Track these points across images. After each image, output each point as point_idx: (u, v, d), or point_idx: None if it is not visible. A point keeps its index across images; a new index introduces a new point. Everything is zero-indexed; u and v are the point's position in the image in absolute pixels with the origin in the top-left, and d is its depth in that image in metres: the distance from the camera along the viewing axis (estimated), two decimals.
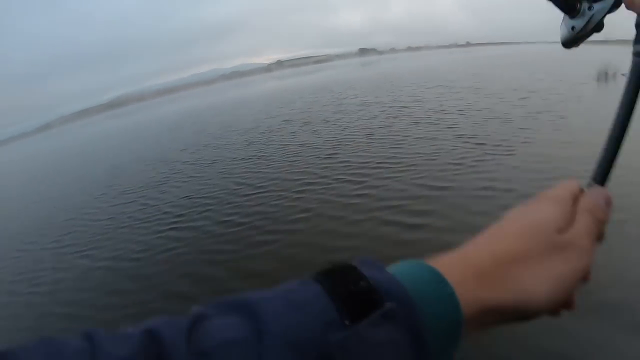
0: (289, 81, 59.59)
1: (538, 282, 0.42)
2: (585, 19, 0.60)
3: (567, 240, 0.45)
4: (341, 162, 8.44)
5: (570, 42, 0.64)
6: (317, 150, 9.84)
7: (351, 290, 0.35)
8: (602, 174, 0.56)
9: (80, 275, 6.03)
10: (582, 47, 0.68)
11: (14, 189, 17.05)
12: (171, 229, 6.81)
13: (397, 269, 0.40)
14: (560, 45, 0.66)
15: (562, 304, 0.45)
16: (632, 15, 0.53)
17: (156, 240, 6.46)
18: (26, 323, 5.13)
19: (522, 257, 0.43)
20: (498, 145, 7.86)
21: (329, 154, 9.20)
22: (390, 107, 14.12)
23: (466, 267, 0.42)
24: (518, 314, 0.43)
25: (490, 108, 11.42)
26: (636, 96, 0.55)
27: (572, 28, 0.62)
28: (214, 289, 4.58)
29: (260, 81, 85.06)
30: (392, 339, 0.33)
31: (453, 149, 8.04)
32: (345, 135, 10.98)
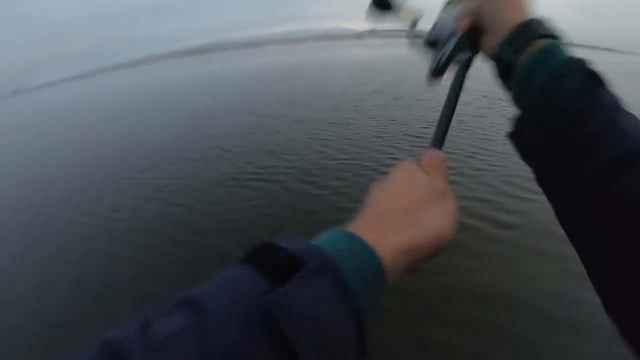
0: (381, 51, 58.54)
1: (436, 217, 0.52)
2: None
3: (437, 186, 0.56)
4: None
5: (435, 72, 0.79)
6: (405, 127, 9.55)
7: (274, 261, 0.38)
8: (438, 141, 0.71)
9: (159, 209, 6.22)
10: None
11: (99, 122, 17.78)
12: (252, 179, 6.86)
13: (317, 239, 0.45)
14: None
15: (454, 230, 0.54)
16: None
17: (236, 189, 6.53)
18: (102, 246, 5.37)
19: (416, 204, 0.53)
20: None
21: (418, 134, 8.89)
22: (484, 96, 13.50)
23: (376, 221, 0.50)
24: (430, 247, 0.51)
25: None
26: (462, 80, 0.76)
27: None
28: None
29: (351, 47, 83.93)
30: (320, 292, 0.36)
31: None
32: (436, 117, 10.49)
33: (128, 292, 4.28)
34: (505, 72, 0.67)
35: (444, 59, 0.76)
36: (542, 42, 0.61)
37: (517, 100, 0.65)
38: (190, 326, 0.32)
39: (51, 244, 5.71)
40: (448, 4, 0.82)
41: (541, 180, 0.59)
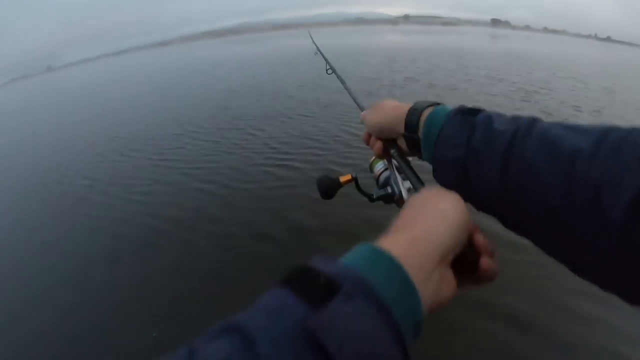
0: (414, 38, 57.94)
1: (439, 206, 0.58)
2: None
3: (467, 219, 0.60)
4: None
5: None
6: None
7: (313, 285, 0.40)
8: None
9: (177, 192, 6.30)
10: None
11: (132, 97, 18.24)
12: (277, 165, 6.89)
13: (349, 257, 0.47)
14: None
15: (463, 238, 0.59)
16: None
17: (260, 175, 6.55)
18: (112, 228, 5.43)
19: (430, 204, 0.59)
20: None
21: None
22: (521, 88, 13.31)
23: (405, 240, 0.51)
24: (440, 232, 0.54)
25: (624, 117, 10.37)
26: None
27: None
28: (305, 240, 4.60)
29: (385, 32, 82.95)
30: (358, 311, 0.38)
31: None
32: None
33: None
34: (416, 145, 0.80)
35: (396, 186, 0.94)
36: (427, 111, 0.76)
37: (427, 153, 0.77)
38: (239, 352, 0.34)
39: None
40: (373, 163, 1.10)
41: (460, 186, 0.68)
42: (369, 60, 21.99)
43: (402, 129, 0.81)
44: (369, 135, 0.94)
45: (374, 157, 1.07)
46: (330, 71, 2.26)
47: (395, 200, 0.94)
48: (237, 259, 4.36)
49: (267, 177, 6.36)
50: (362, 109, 1.24)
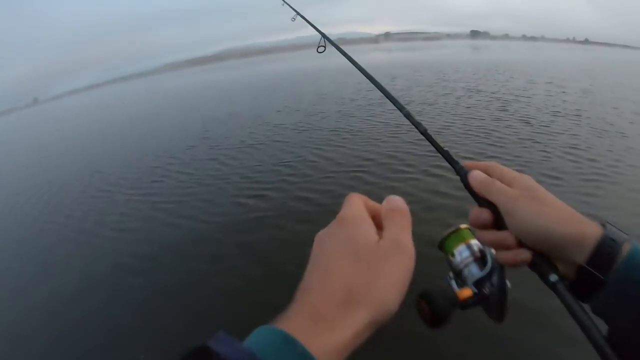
0: (395, 55, 58.89)
1: (384, 292, 0.48)
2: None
3: (391, 244, 0.51)
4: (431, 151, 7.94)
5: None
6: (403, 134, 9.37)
7: None
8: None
9: (149, 228, 6.19)
10: None
11: (114, 129, 18.20)
12: (250, 195, 6.76)
13: (251, 339, 0.42)
14: None
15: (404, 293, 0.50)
16: None
17: (233, 207, 6.42)
18: (84, 267, 5.36)
19: (358, 277, 0.48)
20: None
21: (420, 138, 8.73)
22: (499, 97, 13.32)
23: (310, 317, 0.45)
24: (372, 326, 0.47)
25: (604, 118, 10.34)
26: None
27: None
28: (277, 274, 4.46)
29: (366, 51, 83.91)
30: None
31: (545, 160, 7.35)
32: (445, 120, 10.55)
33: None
34: (584, 286, 0.62)
35: (497, 299, 0.73)
36: (628, 246, 0.59)
37: (609, 305, 0.60)
38: None
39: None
40: (453, 240, 0.80)
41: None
42: (348, 80, 22.07)
43: (579, 257, 0.61)
44: (494, 219, 0.69)
45: (461, 229, 0.81)
46: (322, 48, 1.96)
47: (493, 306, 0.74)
48: (208, 296, 4.30)
49: (239, 210, 6.24)
50: (418, 125, 0.95)
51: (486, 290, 0.73)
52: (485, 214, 0.69)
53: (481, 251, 0.76)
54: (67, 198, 8.37)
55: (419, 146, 8.13)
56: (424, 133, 0.90)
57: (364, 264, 0.49)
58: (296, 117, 12.91)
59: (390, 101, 1.10)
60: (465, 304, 0.72)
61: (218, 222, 5.95)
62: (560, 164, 7.01)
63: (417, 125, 0.93)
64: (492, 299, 0.72)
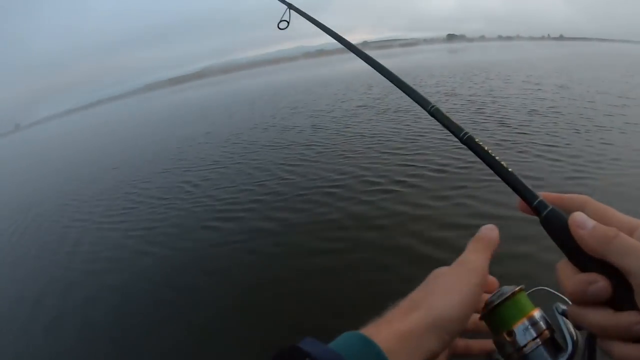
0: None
1: (438, 298, 0.54)
2: None
3: (456, 264, 0.59)
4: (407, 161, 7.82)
5: None
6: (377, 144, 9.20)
7: None
8: None
9: (119, 259, 5.94)
10: None
11: (91, 153, 17.87)
12: (220, 218, 6.54)
13: (335, 342, 0.49)
14: None
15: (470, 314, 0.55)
16: None
17: (203, 233, 6.18)
18: (53, 303, 5.11)
19: (420, 294, 0.57)
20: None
21: (398, 148, 8.68)
22: (475, 100, 13.16)
23: (380, 324, 0.52)
24: (443, 328, 0.52)
25: (583, 114, 10.16)
26: None
27: None
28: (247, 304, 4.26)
29: (344, 61, 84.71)
30: None
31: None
32: (420, 127, 10.27)
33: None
34: None
35: None
36: None
37: None
38: None
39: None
40: (510, 310, 0.57)
41: None
42: (323, 90, 21.98)
43: None
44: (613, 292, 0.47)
45: (519, 293, 0.58)
46: (284, 24, 1.50)
47: None
48: (179, 331, 4.04)
49: (211, 235, 5.99)
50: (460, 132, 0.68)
51: None
52: (603, 285, 0.46)
53: (549, 328, 0.55)
54: (40, 229, 8.15)
55: (395, 155, 8.01)
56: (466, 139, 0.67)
57: (429, 284, 0.58)
58: (271, 133, 12.73)
59: (415, 100, 0.88)
60: None
61: (188, 248, 5.70)
62: (540, 165, 6.80)
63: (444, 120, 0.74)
64: None
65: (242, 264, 5.01)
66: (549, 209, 0.53)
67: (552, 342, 0.54)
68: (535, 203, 0.54)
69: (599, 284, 0.46)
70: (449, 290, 0.54)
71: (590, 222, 0.48)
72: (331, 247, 4.96)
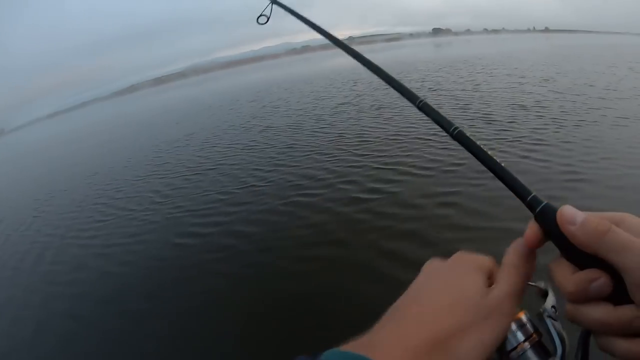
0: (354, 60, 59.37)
1: (470, 353, 0.45)
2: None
3: (492, 305, 0.48)
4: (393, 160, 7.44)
5: None
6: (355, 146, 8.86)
7: None
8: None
9: (84, 281, 5.53)
10: None
11: (68, 158, 17.52)
12: (188, 234, 6.10)
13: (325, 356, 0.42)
14: None
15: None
16: None
17: (171, 250, 5.76)
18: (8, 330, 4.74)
19: (455, 332, 0.45)
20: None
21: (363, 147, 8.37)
22: (460, 97, 12.86)
23: (403, 352, 0.43)
24: None
25: (565, 107, 9.92)
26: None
27: None
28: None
29: (329, 57, 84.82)
30: None
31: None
32: (407, 124, 9.89)
33: None
34: None
35: None
36: None
37: None
38: None
39: None
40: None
41: None
42: (306, 87, 21.71)
43: None
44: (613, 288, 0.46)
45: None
46: (263, 19, 1.43)
47: None
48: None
49: (177, 253, 5.56)
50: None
51: None
52: (605, 281, 0.45)
53: (537, 331, 0.53)
54: (6, 245, 7.73)
55: (368, 158, 7.75)
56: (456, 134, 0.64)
57: (461, 315, 0.47)
58: (248, 135, 12.32)
59: (403, 94, 0.81)
60: None
61: (153, 267, 5.32)
62: (527, 164, 6.45)
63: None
64: None
65: (209, 290, 4.58)
66: (542, 204, 0.51)
67: (540, 345, 0.52)
68: (529, 199, 0.53)
69: (601, 280, 0.45)
70: (482, 345, 0.45)
71: (580, 216, 0.47)
72: (306, 268, 4.56)
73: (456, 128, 0.63)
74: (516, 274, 0.51)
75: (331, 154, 8.51)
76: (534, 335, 0.52)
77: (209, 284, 4.63)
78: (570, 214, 0.47)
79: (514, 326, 0.51)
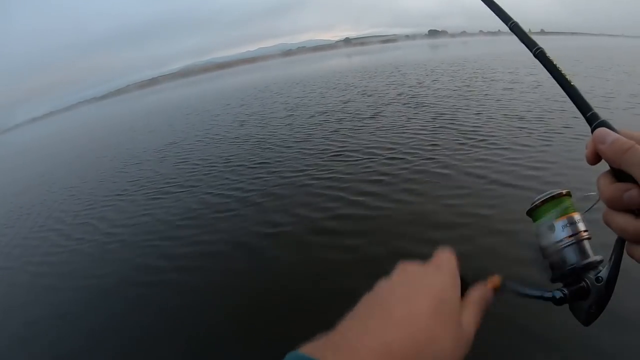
0: (355, 59, 59.87)
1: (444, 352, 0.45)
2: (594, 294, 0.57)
3: (464, 332, 0.49)
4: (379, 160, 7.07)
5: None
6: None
7: None
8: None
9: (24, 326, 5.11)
10: None
11: (46, 165, 16.96)
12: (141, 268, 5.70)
13: None
14: None
15: None
16: None
17: (123, 291, 4.96)
18: None
19: (430, 341, 0.44)
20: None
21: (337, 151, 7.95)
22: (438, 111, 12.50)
23: (369, 354, 0.41)
24: None
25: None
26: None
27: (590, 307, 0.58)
28: None
29: (325, 58, 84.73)
30: None
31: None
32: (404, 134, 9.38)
33: None
34: None
35: (597, 299, 0.57)
36: None
37: None
38: None
39: None
40: (552, 207, 0.62)
41: None
42: (298, 89, 21.43)
43: None
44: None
45: (565, 196, 0.63)
46: None
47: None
48: None
49: (127, 296, 4.72)
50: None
51: (585, 284, 0.58)
52: (636, 192, 0.49)
53: (587, 231, 0.60)
54: None
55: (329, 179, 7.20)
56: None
57: (438, 321, 0.47)
58: (225, 149, 11.04)
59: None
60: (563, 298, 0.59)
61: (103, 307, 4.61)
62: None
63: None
64: (593, 297, 0.58)
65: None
66: (599, 120, 0.55)
67: (584, 246, 0.59)
68: (588, 114, 0.57)
69: (633, 191, 0.49)
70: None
71: (611, 137, 0.51)
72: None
73: (539, 48, 0.67)
74: (478, 315, 0.53)
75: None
76: (583, 234, 0.59)
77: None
78: (601, 135, 0.52)
79: (566, 221, 0.59)
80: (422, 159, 7.16)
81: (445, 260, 0.56)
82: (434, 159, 7.10)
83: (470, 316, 0.51)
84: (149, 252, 5.65)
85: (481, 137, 8.04)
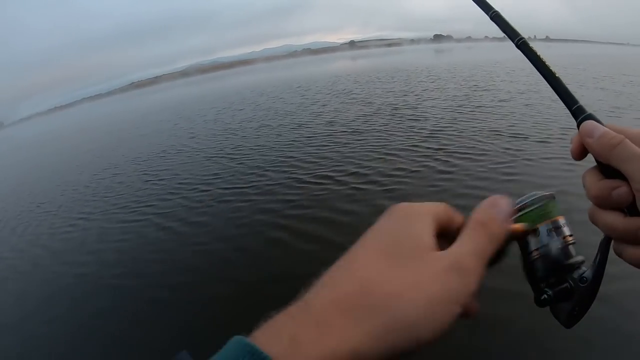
0: (358, 63, 59.96)
1: (414, 308, 0.38)
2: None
3: (449, 259, 0.43)
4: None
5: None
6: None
7: None
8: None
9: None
10: None
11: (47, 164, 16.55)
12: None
13: (221, 356, 0.35)
14: None
15: (445, 326, 0.40)
16: None
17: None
18: None
19: (385, 280, 0.40)
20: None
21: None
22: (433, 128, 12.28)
23: (312, 323, 0.37)
24: (398, 347, 0.38)
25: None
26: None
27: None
28: None
29: (329, 60, 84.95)
30: None
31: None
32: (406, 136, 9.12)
33: None
34: None
35: (580, 300, 0.55)
36: None
37: None
38: None
39: None
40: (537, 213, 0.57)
41: None
42: (293, 92, 21.32)
43: None
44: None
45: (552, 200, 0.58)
46: None
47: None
48: None
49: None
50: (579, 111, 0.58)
51: (569, 284, 0.56)
52: (625, 190, 0.48)
53: (571, 236, 0.56)
54: None
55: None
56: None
57: (400, 265, 0.41)
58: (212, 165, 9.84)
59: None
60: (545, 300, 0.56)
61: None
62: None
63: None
64: (577, 298, 0.55)
65: None
66: (585, 113, 0.54)
67: (569, 250, 0.56)
68: (573, 108, 0.56)
69: (621, 189, 0.47)
70: (435, 304, 0.39)
71: (599, 131, 0.49)
72: None
73: (521, 38, 0.65)
74: (484, 234, 0.46)
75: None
76: (568, 238, 0.55)
77: None
78: (589, 128, 0.50)
79: (550, 225, 0.55)
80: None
81: (406, 206, 0.47)
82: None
83: (468, 241, 0.45)
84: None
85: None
